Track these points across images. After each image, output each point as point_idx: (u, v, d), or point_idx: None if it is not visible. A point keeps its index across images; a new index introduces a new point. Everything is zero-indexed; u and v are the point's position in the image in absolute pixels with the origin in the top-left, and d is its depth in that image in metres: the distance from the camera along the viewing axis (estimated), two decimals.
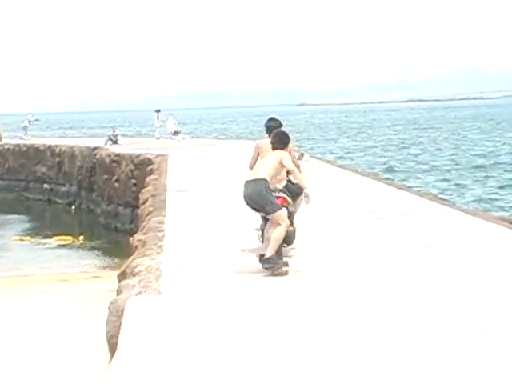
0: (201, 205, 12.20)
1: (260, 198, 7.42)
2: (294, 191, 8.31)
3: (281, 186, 8.21)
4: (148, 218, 11.17)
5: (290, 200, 8.17)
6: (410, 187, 18.14)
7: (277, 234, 7.37)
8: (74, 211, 29.38)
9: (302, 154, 9.03)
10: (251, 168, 8.49)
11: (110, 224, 25.25)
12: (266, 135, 8.64)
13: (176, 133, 36.44)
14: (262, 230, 8.00)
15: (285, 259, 7.37)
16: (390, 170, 36.26)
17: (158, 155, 23.55)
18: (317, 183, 15.20)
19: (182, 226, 10.04)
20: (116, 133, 32.97)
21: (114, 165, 25.89)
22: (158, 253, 8.03)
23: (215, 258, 7.85)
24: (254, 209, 7.64)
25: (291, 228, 8.12)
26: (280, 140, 7.86)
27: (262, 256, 7.33)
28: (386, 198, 12.79)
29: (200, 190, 14.23)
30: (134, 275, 7.09)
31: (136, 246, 9.40)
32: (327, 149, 50.31)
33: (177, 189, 14.41)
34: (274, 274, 7.12)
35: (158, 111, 37.74)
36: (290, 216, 8.05)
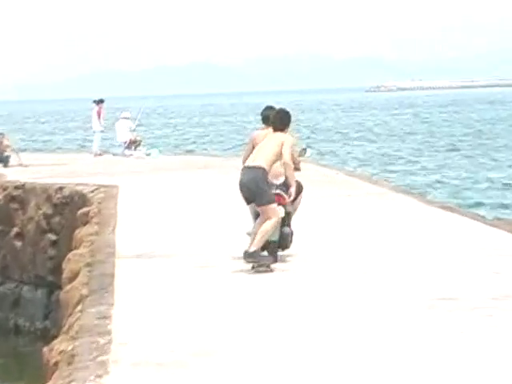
0: (178, 283, 12.29)
1: (255, 187, 12.01)
2: None
3: (278, 181, 12.36)
4: (80, 308, 11.25)
5: (287, 198, 12.21)
6: None
7: (265, 227, 11.92)
8: None
9: (305, 150, 13.35)
10: (245, 162, 13.04)
11: (5, 320, 25.32)
12: (263, 126, 13.53)
13: (133, 144, 36.59)
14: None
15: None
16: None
17: (98, 187, 23.48)
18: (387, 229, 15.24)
19: (143, 323, 10.13)
20: (5, 144, 32.94)
21: (14, 206, 25.96)
22: (99, 376, 8.11)
23: (201, 381, 7.93)
24: (247, 199, 12.33)
25: (288, 229, 12.53)
26: (282, 120, 12.53)
27: (246, 252, 12.06)
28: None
29: (176, 256, 14.26)
30: None
31: (56, 364, 9.47)
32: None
33: (133, 252, 14.51)
34: (257, 271, 11.97)
35: (100, 102, 37.68)
36: (288, 217, 12.52)
